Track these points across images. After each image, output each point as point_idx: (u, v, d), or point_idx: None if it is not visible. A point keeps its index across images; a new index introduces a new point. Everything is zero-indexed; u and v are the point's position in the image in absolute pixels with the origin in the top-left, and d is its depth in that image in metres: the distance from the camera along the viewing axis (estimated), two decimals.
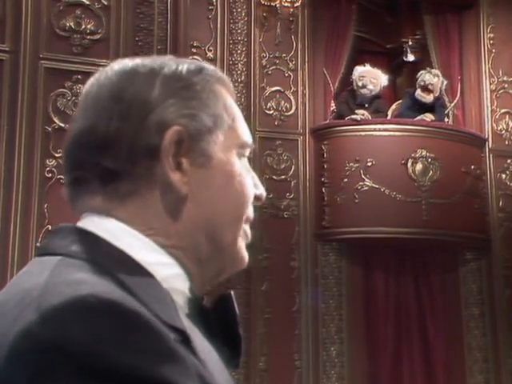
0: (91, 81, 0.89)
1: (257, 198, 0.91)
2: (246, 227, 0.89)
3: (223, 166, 0.85)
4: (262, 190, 0.92)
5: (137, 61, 0.88)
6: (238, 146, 0.88)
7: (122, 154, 0.80)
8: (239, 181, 0.86)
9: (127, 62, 0.88)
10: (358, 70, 6.28)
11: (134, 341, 0.63)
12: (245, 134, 0.91)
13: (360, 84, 6.21)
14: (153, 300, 0.72)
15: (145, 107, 0.81)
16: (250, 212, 0.90)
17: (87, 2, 5.39)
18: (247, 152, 0.91)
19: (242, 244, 0.88)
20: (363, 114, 6.07)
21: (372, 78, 6.24)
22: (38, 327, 0.63)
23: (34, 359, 0.61)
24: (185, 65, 0.88)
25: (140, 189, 0.81)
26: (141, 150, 0.80)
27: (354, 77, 6.27)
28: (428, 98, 6.37)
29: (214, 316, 0.83)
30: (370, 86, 6.22)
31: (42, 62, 5.17)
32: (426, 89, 6.37)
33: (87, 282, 0.68)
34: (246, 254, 0.89)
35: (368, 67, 6.34)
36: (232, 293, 0.85)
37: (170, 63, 0.87)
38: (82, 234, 0.81)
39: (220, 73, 0.93)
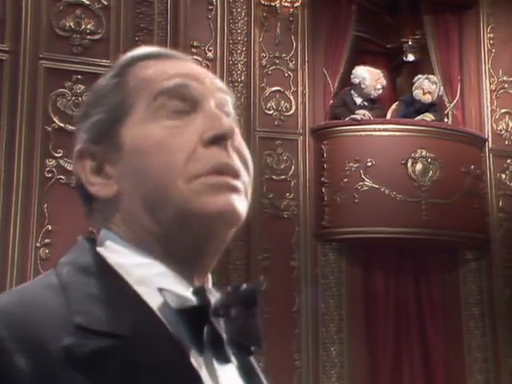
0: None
1: (214, 138, 0.79)
2: (208, 179, 0.77)
3: (136, 145, 0.79)
4: (214, 129, 0.79)
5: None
6: (157, 105, 0.80)
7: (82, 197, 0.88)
8: (156, 147, 0.78)
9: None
10: (367, 71, 6.29)
11: None
12: (164, 84, 0.81)
13: (379, 86, 6.28)
14: (90, 302, 0.73)
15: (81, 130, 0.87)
16: (205, 162, 0.78)
17: (87, 2, 5.39)
18: (189, 91, 0.82)
19: (205, 197, 0.77)
20: (364, 114, 6.08)
21: (382, 77, 6.35)
22: None
23: None
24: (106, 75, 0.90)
25: (96, 210, 0.86)
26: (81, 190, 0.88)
27: (368, 82, 6.25)
28: (426, 98, 6.38)
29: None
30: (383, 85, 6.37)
31: (42, 61, 5.17)
32: (424, 93, 6.40)
33: (10, 292, 0.76)
34: (220, 200, 0.77)
35: (369, 68, 6.38)
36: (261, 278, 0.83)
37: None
38: (76, 244, 0.85)
39: (138, 51, 0.87)
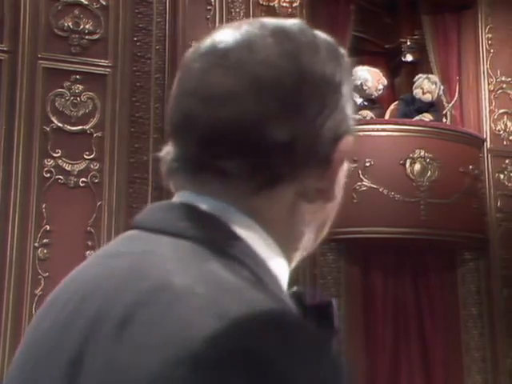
0: (237, 42, 0.72)
1: None
2: None
3: (343, 170, 0.82)
4: None
5: (293, 45, 0.72)
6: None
7: (285, 159, 0.71)
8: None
9: (285, 45, 0.72)
10: (368, 72, 6.30)
11: (327, 368, 0.59)
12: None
13: (380, 87, 6.29)
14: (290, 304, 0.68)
15: (323, 110, 0.72)
16: None
17: (85, 2, 5.38)
18: None
19: None
20: (366, 115, 6.10)
21: (382, 77, 6.36)
22: (226, 337, 0.57)
23: (222, 370, 0.56)
24: (336, 54, 0.77)
25: (287, 193, 0.73)
26: (311, 159, 0.73)
27: (370, 84, 6.26)
28: (426, 97, 6.40)
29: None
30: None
31: (41, 62, 5.17)
32: (423, 92, 6.42)
33: (250, 287, 0.63)
34: None
35: (369, 68, 6.39)
36: (334, 301, 0.78)
37: (328, 49, 0.75)
38: (206, 218, 0.71)
39: (348, 60, 0.79)
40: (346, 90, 0.75)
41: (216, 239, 0.68)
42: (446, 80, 6.72)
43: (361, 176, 5.88)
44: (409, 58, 7.37)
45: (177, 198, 0.75)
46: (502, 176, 6.56)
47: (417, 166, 5.98)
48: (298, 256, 0.81)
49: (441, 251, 6.34)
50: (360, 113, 6.09)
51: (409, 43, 7.33)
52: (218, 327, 0.57)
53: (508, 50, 6.80)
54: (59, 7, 5.31)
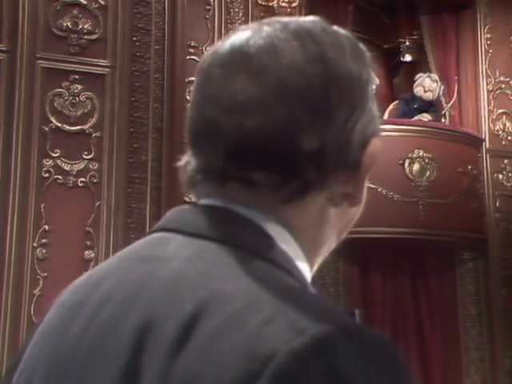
0: (259, 46, 0.68)
1: None
2: None
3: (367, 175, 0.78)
4: None
5: (317, 44, 0.71)
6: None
7: (315, 168, 0.68)
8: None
9: (311, 48, 0.70)
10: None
11: None
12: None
13: (373, 86, 6.29)
14: None
15: (353, 114, 0.70)
16: None
17: (84, 2, 5.38)
18: None
19: None
20: None
21: (375, 77, 6.36)
22: (309, 351, 0.54)
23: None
24: (361, 52, 0.75)
25: (316, 200, 0.71)
26: (340, 165, 0.70)
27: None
28: (427, 95, 6.41)
29: None
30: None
31: (39, 61, 5.16)
32: (424, 91, 6.42)
33: (304, 295, 0.62)
34: None
35: None
36: (356, 311, 0.78)
37: (354, 52, 0.74)
38: (246, 222, 0.68)
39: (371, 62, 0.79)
40: (370, 89, 0.75)
41: (257, 245, 0.66)
42: (445, 80, 6.73)
43: None
44: (407, 58, 7.38)
45: (207, 203, 0.71)
46: (500, 176, 6.57)
47: (416, 166, 5.99)
48: (319, 261, 0.79)
49: (439, 251, 6.34)
50: None
51: (407, 43, 7.33)
52: (299, 342, 0.55)
53: (507, 50, 6.81)
54: (58, 7, 5.31)
